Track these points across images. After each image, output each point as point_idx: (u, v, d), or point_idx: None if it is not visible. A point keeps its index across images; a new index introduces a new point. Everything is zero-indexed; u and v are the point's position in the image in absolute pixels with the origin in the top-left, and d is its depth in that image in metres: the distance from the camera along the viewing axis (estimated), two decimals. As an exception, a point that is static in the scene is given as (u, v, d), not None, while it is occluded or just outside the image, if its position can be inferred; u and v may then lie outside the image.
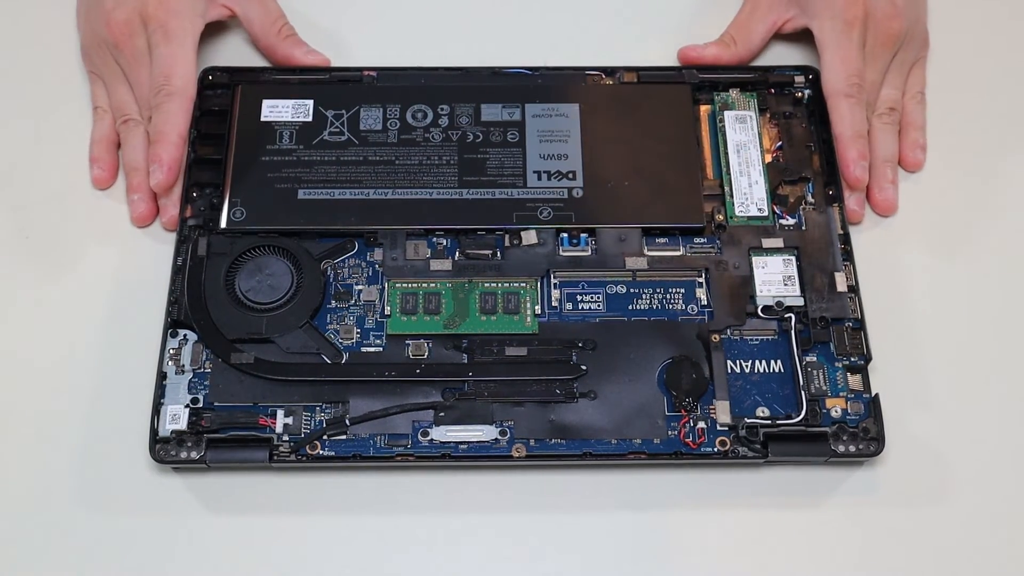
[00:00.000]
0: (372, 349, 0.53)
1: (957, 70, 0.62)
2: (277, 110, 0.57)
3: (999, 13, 0.64)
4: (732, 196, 0.56)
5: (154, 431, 0.50)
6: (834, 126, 0.57)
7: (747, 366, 0.52)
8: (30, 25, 0.63)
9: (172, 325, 0.53)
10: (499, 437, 0.51)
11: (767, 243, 0.55)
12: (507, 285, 0.54)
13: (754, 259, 0.55)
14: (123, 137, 0.58)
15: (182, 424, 0.50)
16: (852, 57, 0.57)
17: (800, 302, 0.53)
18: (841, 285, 0.54)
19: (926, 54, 0.62)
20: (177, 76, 0.57)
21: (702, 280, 0.54)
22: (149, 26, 0.57)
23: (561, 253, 0.55)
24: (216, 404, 0.51)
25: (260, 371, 0.51)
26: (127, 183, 0.58)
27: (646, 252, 0.55)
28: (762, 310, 0.53)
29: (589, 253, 0.55)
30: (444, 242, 0.55)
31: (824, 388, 0.52)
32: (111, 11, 0.58)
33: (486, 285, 0.54)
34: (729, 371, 0.52)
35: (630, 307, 0.54)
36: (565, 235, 0.55)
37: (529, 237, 0.55)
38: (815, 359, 0.52)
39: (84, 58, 0.61)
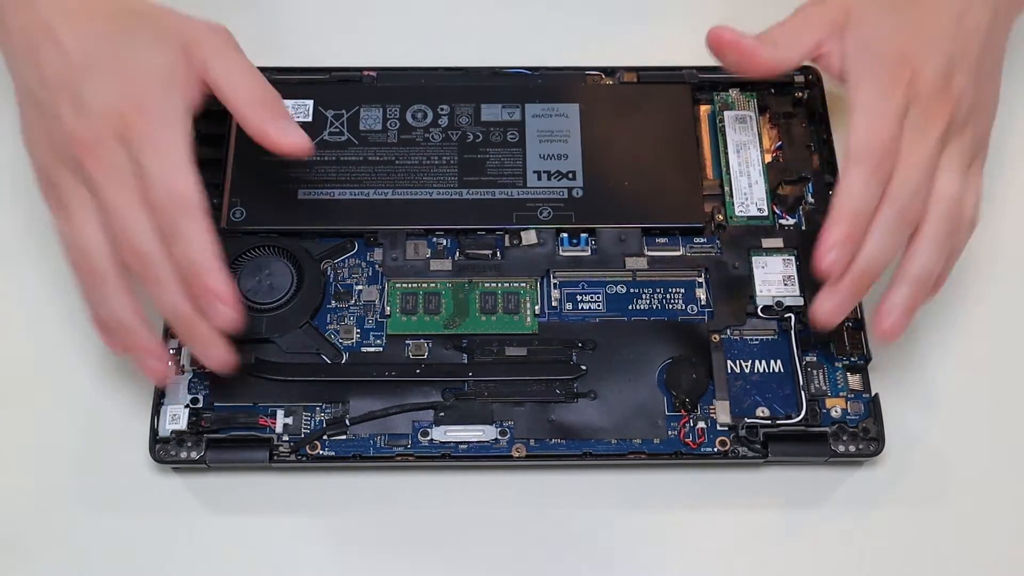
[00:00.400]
0: (372, 349, 0.53)
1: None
2: (277, 110, 0.57)
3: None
4: (732, 196, 0.56)
5: (154, 431, 0.50)
6: (835, 196, 0.46)
7: (747, 366, 0.52)
8: None
9: (172, 325, 0.53)
10: (499, 437, 0.51)
11: (767, 243, 0.55)
12: (507, 285, 0.54)
13: (754, 259, 0.55)
14: (96, 290, 0.46)
15: (182, 424, 0.50)
16: (888, 122, 0.46)
17: (800, 302, 0.53)
18: (841, 285, 0.54)
19: (983, 158, 0.49)
20: (190, 190, 0.45)
21: (702, 280, 0.54)
22: (132, 140, 0.45)
23: (561, 253, 0.55)
24: (216, 404, 0.51)
25: (260, 371, 0.51)
26: (120, 344, 0.47)
27: (646, 252, 0.55)
28: (762, 310, 0.53)
29: (589, 253, 0.55)
30: (444, 242, 0.55)
31: (824, 388, 0.52)
32: (73, 127, 0.45)
33: (486, 285, 0.54)
34: (729, 371, 0.52)
35: (630, 307, 0.54)
36: (565, 235, 0.55)
37: (529, 237, 0.55)
38: (815, 359, 0.52)
39: (43, 190, 0.48)
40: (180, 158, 0.45)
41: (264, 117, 0.47)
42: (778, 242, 0.55)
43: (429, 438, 0.51)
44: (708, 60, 0.60)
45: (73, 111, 0.45)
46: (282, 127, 0.48)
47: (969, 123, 0.48)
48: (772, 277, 0.54)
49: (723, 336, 0.53)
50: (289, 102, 0.58)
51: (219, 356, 0.46)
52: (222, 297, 0.45)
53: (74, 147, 0.45)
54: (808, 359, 0.52)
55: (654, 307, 0.54)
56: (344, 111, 0.58)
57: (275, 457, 0.50)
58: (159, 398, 0.51)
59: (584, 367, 0.52)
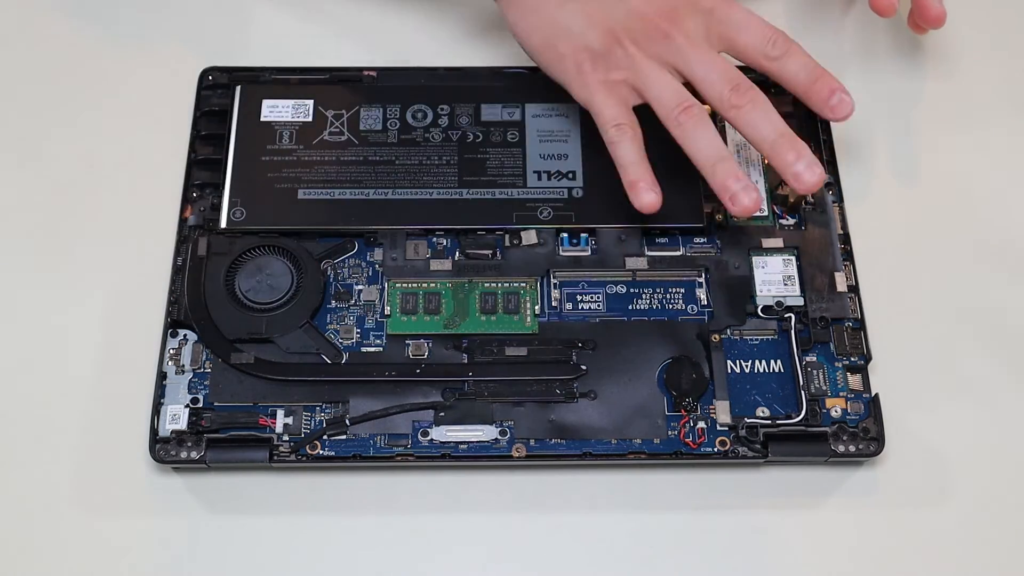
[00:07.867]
0: (372, 349, 0.53)
1: (953, 60, 0.62)
2: (277, 110, 0.58)
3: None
4: (732, 196, 0.56)
5: (154, 431, 0.50)
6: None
7: (747, 366, 0.52)
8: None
9: (172, 325, 0.53)
10: (499, 437, 0.51)
11: (767, 243, 0.55)
12: (507, 285, 0.54)
13: (754, 259, 0.55)
14: (687, 129, 0.50)
15: (182, 424, 0.50)
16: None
17: (800, 302, 0.53)
18: (841, 285, 0.54)
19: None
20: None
21: (702, 280, 0.54)
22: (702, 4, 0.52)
23: (561, 253, 0.55)
24: (216, 404, 0.51)
25: (260, 371, 0.51)
26: (718, 176, 0.50)
27: (646, 252, 0.55)
28: (762, 310, 0.53)
29: (589, 253, 0.55)
30: (444, 242, 0.55)
31: (824, 388, 0.52)
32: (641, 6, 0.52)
33: (486, 285, 0.54)
34: (729, 371, 0.52)
35: (630, 307, 0.54)
36: (565, 235, 0.55)
37: (529, 237, 0.55)
38: (815, 359, 0.52)
39: (580, 68, 0.53)
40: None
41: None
42: (778, 242, 0.55)
43: (429, 438, 0.51)
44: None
45: None
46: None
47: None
48: (772, 277, 0.54)
49: (723, 336, 0.53)
50: (289, 102, 0.58)
51: (754, 196, 0.50)
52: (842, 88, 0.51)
53: (642, 21, 0.52)
54: (808, 359, 0.52)
55: (654, 307, 0.54)
56: (344, 111, 0.58)
57: (275, 457, 0.50)
58: (159, 398, 0.51)
59: (584, 367, 0.52)
